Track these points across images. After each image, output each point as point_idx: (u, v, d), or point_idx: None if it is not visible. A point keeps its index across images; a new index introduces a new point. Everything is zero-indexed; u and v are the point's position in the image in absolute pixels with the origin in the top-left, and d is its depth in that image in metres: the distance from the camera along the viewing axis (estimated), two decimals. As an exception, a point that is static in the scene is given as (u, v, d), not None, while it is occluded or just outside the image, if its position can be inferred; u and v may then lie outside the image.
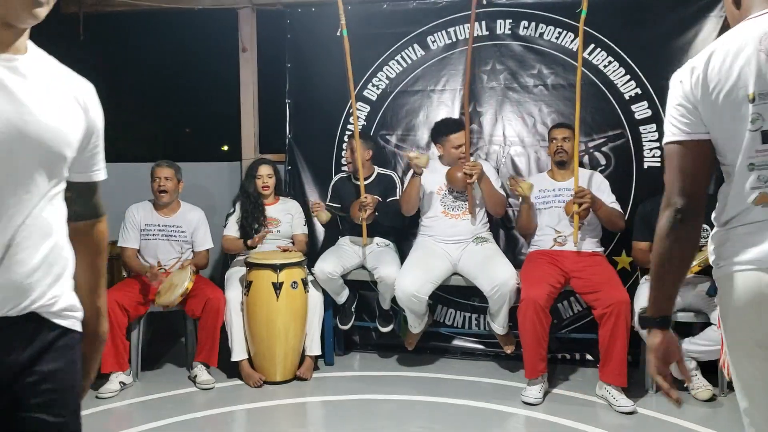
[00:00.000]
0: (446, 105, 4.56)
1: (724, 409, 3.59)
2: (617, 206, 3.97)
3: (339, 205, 4.37)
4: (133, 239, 4.10)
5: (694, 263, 3.50)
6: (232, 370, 4.07)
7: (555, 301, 3.89)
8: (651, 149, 4.26)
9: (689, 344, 3.68)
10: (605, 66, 4.30)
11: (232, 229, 4.29)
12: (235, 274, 4.16)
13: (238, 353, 3.97)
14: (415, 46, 4.58)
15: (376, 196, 4.18)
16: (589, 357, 4.28)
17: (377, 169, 4.41)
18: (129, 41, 6.10)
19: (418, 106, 4.62)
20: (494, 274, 3.84)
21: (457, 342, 4.53)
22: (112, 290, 3.90)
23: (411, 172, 4.06)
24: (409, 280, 3.89)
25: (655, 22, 4.23)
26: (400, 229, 4.38)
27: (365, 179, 4.27)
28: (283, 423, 3.57)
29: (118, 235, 4.11)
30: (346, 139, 4.66)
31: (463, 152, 4.08)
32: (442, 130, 4.18)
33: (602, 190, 3.98)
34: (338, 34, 4.10)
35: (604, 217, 3.89)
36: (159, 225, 4.14)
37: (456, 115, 4.41)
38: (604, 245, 4.13)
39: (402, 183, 4.32)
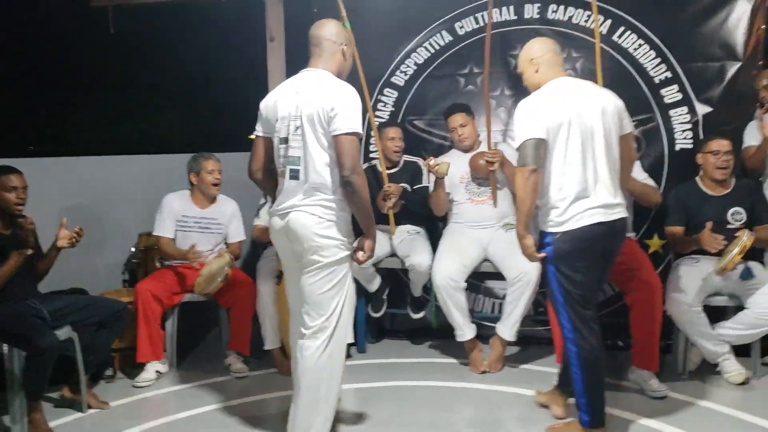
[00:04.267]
0: (474, 87, 4.55)
1: (757, 393, 3.57)
2: (651, 182, 3.92)
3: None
4: (169, 228, 4.10)
5: (735, 251, 3.45)
6: (265, 358, 4.14)
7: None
8: (683, 131, 4.20)
9: (722, 328, 3.66)
10: (635, 49, 4.24)
11: (262, 220, 4.32)
12: (266, 264, 4.19)
13: (271, 342, 4.03)
14: (443, 32, 4.57)
15: (401, 185, 4.19)
16: (620, 343, 4.26)
17: (404, 157, 4.41)
18: (158, 34, 6.15)
19: (445, 91, 4.61)
20: (520, 260, 3.82)
21: (488, 328, 4.52)
22: (145, 281, 3.99)
23: (434, 177, 4.06)
24: (444, 264, 3.90)
25: (685, 4, 4.17)
26: (430, 216, 4.38)
27: (392, 168, 4.28)
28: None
29: (154, 224, 4.14)
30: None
31: (460, 134, 4.14)
32: (444, 115, 4.23)
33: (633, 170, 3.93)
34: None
35: (637, 192, 3.81)
36: (196, 217, 4.16)
37: (482, 98, 4.38)
38: (636, 229, 4.10)
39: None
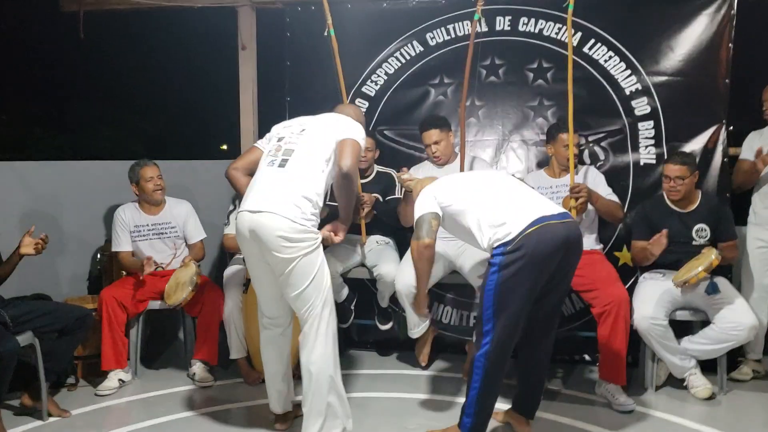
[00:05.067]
0: (445, 98, 4.57)
1: (723, 407, 3.59)
2: (614, 197, 3.96)
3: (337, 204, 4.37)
4: (126, 242, 4.07)
5: (701, 268, 3.48)
6: (231, 367, 4.09)
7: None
8: (647, 146, 4.25)
9: (688, 343, 3.68)
10: (605, 61, 4.29)
11: (232, 228, 4.28)
12: (233, 272, 4.14)
13: (236, 351, 3.97)
14: (415, 42, 4.59)
15: (374, 195, 4.18)
16: (587, 357, 4.28)
17: (377, 167, 4.40)
18: (129, 39, 6.11)
19: (416, 101, 4.63)
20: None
21: (455, 339, 4.52)
22: (110, 288, 3.93)
23: (404, 190, 4.03)
24: (408, 273, 3.88)
25: (655, 17, 4.23)
26: (401, 227, 4.36)
27: (365, 178, 4.27)
28: (282, 421, 3.56)
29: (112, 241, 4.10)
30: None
31: (434, 151, 4.08)
32: (419, 129, 4.21)
33: (598, 183, 3.96)
34: (325, 34, 4.08)
35: (603, 209, 3.87)
36: (148, 224, 4.12)
37: (453, 108, 4.38)
38: (604, 241, 4.12)
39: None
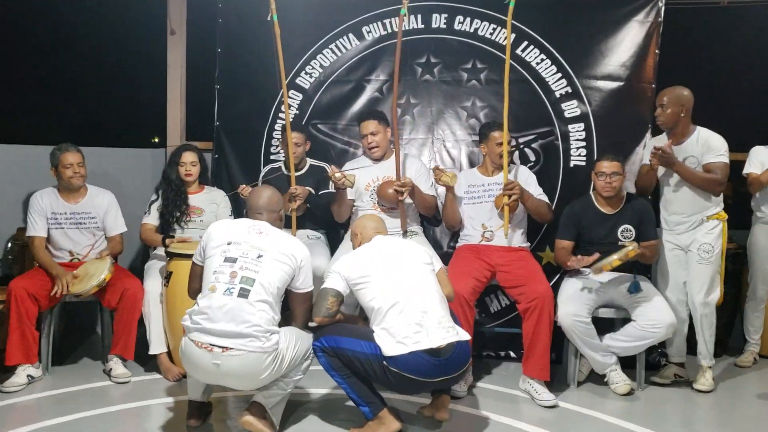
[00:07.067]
0: (380, 94, 4.53)
1: (641, 403, 3.67)
2: (545, 197, 4.01)
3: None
4: (41, 227, 3.86)
5: (615, 257, 3.54)
6: (149, 363, 3.94)
7: (482, 296, 3.90)
8: (578, 148, 4.32)
9: (610, 340, 3.75)
10: (537, 63, 4.34)
11: (152, 218, 4.13)
12: (155, 264, 4.01)
13: (157, 346, 3.83)
14: (350, 35, 4.53)
15: (307, 188, 4.11)
16: (512, 354, 4.32)
17: (309, 161, 4.33)
18: (50, 17, 5.83)
19: (351, 96, 4.57)
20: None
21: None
22: (21, 278, 3.74)
23: (337, 188, 3.96)
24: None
25: (586, 22, 4.31)
26: (333, 221, 4.30)
27: (297, 171, 4.19)
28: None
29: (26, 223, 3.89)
30: (277, 128, 4.58)
31: (369, 142, 4.07)
32: (357, 120, 4.18)
33: (529, 183, 4.00)
34: (268, 18, 3.99)
35: (532, 209, 3.91)
36: (66, 213, 3.93)
37: (388, 105, 4.36)
38: (529, 240, 4.16)
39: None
